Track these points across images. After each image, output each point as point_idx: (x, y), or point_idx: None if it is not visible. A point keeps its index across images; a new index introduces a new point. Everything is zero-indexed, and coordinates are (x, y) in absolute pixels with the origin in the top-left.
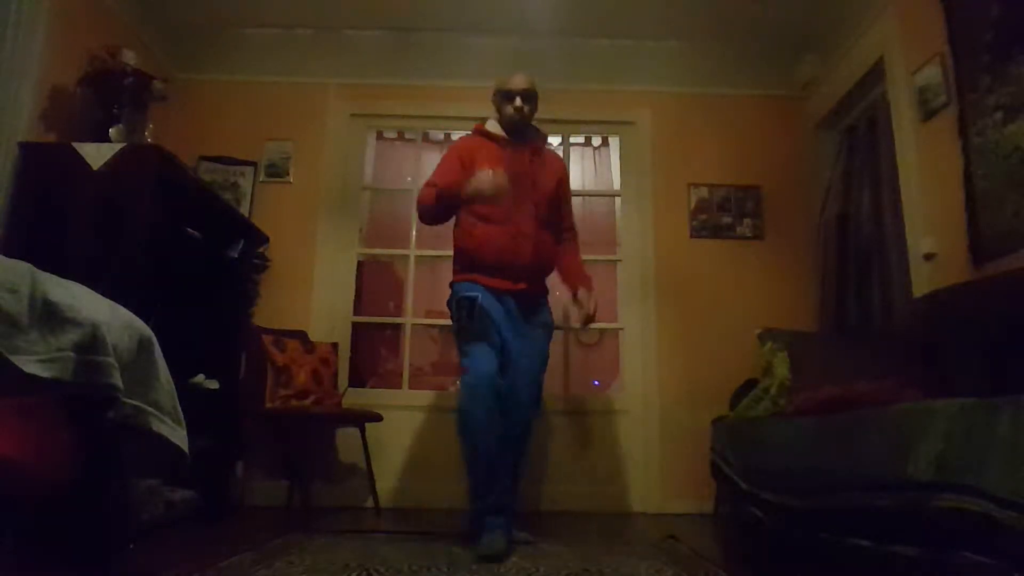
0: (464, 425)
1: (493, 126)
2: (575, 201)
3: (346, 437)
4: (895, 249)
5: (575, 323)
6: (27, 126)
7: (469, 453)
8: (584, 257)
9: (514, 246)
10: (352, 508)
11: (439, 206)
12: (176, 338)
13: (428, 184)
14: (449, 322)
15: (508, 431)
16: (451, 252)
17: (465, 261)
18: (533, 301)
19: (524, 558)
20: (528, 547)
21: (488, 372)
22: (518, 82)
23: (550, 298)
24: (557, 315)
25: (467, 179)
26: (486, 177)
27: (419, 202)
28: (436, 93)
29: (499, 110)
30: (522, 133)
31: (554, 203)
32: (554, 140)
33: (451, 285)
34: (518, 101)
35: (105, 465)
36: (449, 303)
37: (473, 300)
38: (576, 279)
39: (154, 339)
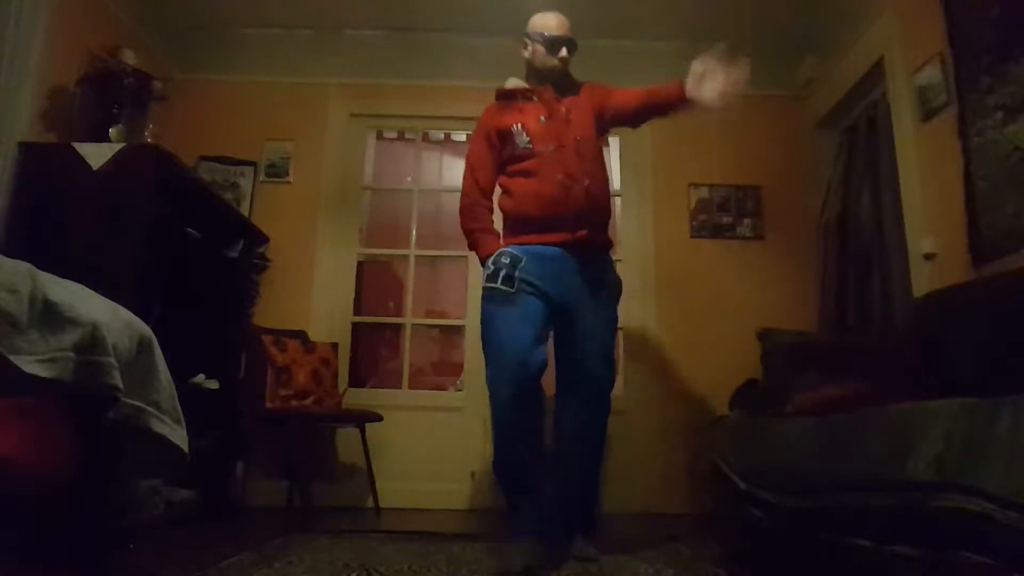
0: (493, 411)
1: (513, 82)
2: None
3: (346, 437)
4: (895, 249)
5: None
6: (27, 126)
7: (502, 455)
8: None
9: (563, 192)
10: (352, 508)
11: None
12: (176, 338)
13: (466, 193)
14: (449, 322)
15: (579, 413)
16: (451, 252)
17: (509, 226)
18: (597, 255)
19: None
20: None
21: (518, 348)
22: (562, 26)
23: (614, 253)
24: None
25: (510, 162)
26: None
27: (462, 223)
28: (436, 93)
29: (534, 56)
30: (556, 83)
31: (599, 137)
32: None
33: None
34: (564, 51)
35: (105, 465)
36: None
37: (515, 259)
38: (667, 87)
39: (154, 339)
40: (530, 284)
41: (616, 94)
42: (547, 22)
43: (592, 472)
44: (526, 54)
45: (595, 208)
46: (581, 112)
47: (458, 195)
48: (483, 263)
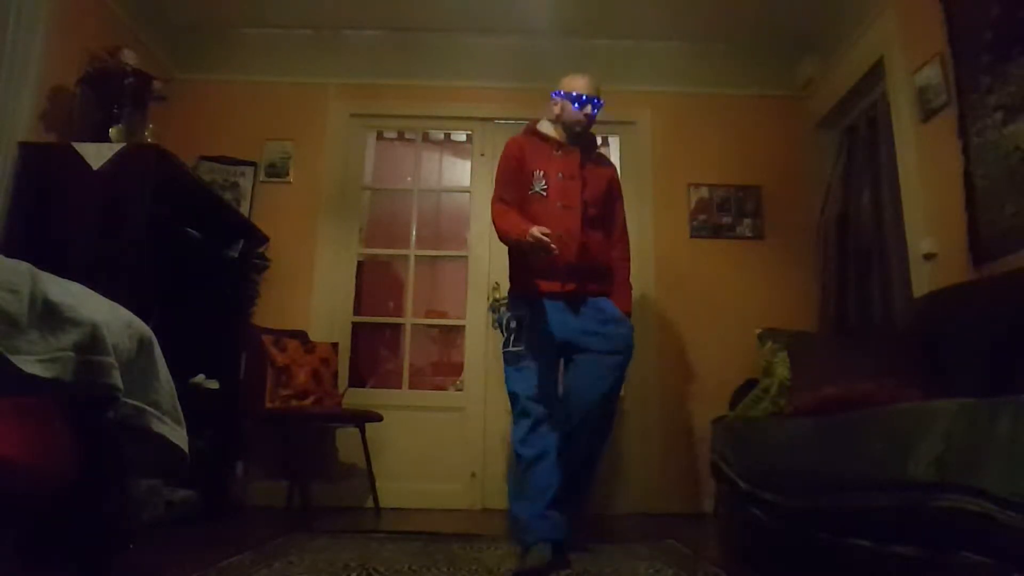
0: (521, 457)
1: (546, 127)
2: None
3: (346, 437)
4: (895, 249)
5: None
6: (27, 126)
7: (523, 479)
8: None
9: (560, 246)
10: (352, 508)
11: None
12: (176, 338)
13: (497, 200)
14: (448, 322)
15: (574, 427)
16: (451, 252)
17: (518, 267)
18: (586, 303)
19: None
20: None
21: (528, 392)
22: (589, 87)
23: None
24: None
25: (525, 195)
26: (541, 238)
27: (495, 225)
28: (436, 93)
29: (562, 112)
30: (579, 137)
31: (606, 205)
32: None
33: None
34: (589, 108)
35: (105, 465)
36: (499, 320)
37: (521, 319)
38: (616, 300)
39: (154, 339)
40: (538, 336)
41: (616, 194)
42: (575, 84)
43: (590, 461)
44: (556, 110)
45: (588, 266)
46: (598, 180)
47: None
48: (519, 243)
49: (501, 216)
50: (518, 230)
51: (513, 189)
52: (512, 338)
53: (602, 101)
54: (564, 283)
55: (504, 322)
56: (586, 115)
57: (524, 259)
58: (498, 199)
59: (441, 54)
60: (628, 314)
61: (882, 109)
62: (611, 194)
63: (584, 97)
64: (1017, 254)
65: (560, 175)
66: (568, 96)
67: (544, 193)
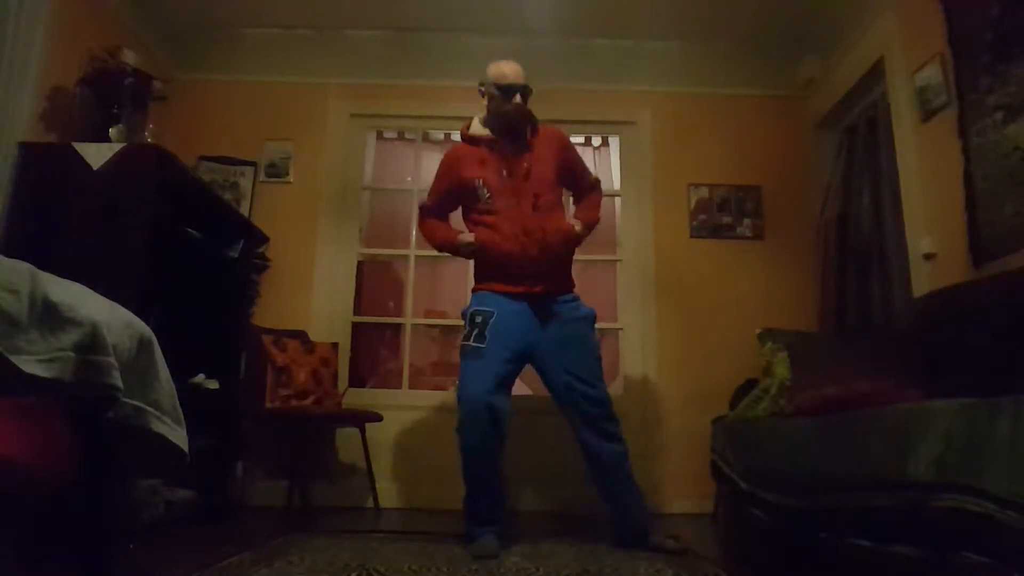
0: (460, 446)
1: (476, 128)
2: None
3: (346, 437)
4: (895, 249)
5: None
6: (27, 126)
7: (463, 470)
8: (584, 257)
9: (520, 247)
10: (352, 508)
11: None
12: (176, 338)
13: (422, 213)
14: (448, 322)
15: (594, 449)
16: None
17: (479, 268)
18: (557, 300)
19: (525, 558)
20: (531, 548)
21: (478, 393)
22: (515, 75)
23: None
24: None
25: (477, 209)
26: (466, 242)
27: (428, 241)
28: (436, 93)
29: (493, 105)
30: (513, 128)
31: (561, 180)
32: None
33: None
34: (518, 98)
35: (105, 465)
36: (464, 313)
37: (487, 316)
38: (579, 214)
39: (154, 339)
40: (499, 337)
41: (572, 161)
42: (501, 70)
43: (628, 482)
44: (485, 103)
45: (551, 259)
46: (543, 164)
47: None
48: (452, 248)
49: (429, 232)
50: (448, 238)
51: (445, 201)
52: (475, 334)
53: (530, 88)
54: (532, 286)
55: (469, 316)
56: (517, 106)
57: (482, 264)
58: (422, 210)
59: (441, 54)
60: (591, 224)
61: (882, 109)
62: (564, 162)
63: (513, 88)
64: (1017, 254)
65: (504, 173)
66: (494, 87)
67: (490, 203)
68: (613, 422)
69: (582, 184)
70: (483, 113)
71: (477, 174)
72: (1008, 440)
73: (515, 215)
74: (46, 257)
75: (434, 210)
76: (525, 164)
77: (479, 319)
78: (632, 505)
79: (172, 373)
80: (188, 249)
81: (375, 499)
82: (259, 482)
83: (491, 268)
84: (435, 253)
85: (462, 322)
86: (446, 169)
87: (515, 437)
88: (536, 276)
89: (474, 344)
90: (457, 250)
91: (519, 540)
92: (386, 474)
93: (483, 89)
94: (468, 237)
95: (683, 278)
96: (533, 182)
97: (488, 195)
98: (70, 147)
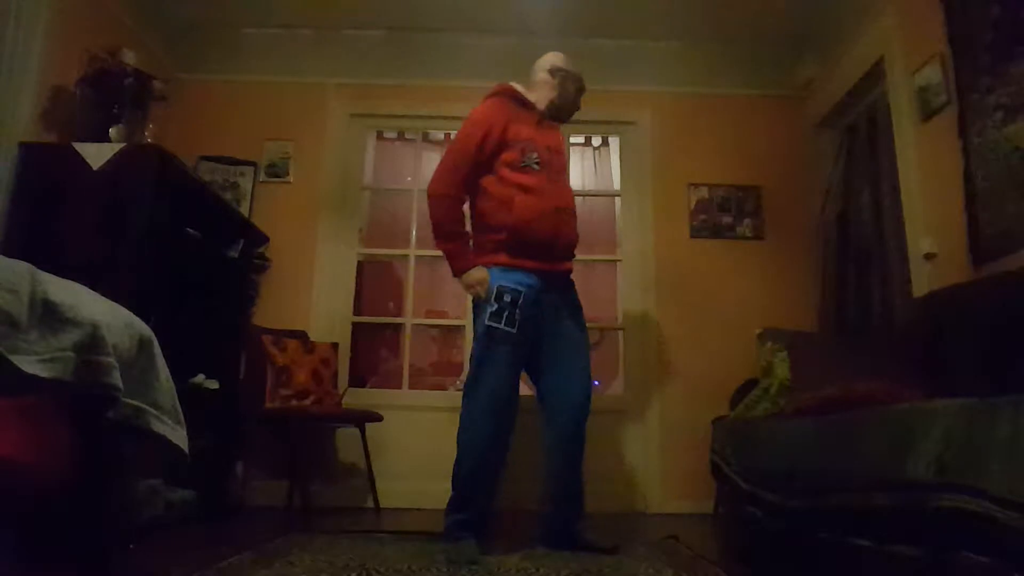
0: (468, 439)
1: (524, 91)
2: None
3: (346, 437)
4: (895, 249)
5: None
6: (27, 126)
7: (462, 466)
8: (584, 257)
9: (559, 222)
10: (352, 508)
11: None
12: (176, 338)
13: (445, 192)
14: (448, 322)
15: (559, 438)
16: None
17: (503, 240)
18: (568, 283)
19: (525, 558)
20: (531, 548)
21: (505, 384)
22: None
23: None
24: None
25: (509, 164)
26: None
27: (439, 231)
28: (436, 93)
29: (557, 87)
30: (571, 113)
31: None
32: None
33: (486, 268)
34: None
35: (105, 465)
36: (490, 287)
37: (515, 296)
38: None
39: (154, 339)
40: (526, 324)
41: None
42: (568, 63)
43: (578, 475)
44: (554, 88)
45: (576, 241)
46: (564, 155)
47: None
48: (457, 275)
49: (451, 216)
50: (462, 265)
51: (470, 169)
52: (506, 316)
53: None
54: (562, 263)
55: (495, 292)
56: (579, 91)
57: (514, 235)
58: (450, 184)
59: (441, 54)
60: None
61: (882, 109)
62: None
63: (581, 80)
64: (1017, 254)
65: (548, 148)
66: (563, 74)
67: (537, 167)
68: (585, 423)
69: None
70: (521, 86)
71: (531, 136)
72: (1008, 440)
73: (555, 189)
74: (46, 257)
75: (468, 180)
76: (558, 148)
77: (507, 298)
78: (577, 496)
79: (172, 373)
80: (188, 249)
81: (375, 499)
82: (259, 482)
83: (522, 240)
84: (435, 253)
85: (462, 322)
86: (494, 118)
87: (515, 436)
88: (564, 254)
89: (505, 328)
90: (462, 273)
91: (519, 540)
92: (386, 474)
93: (560, 73)
94: (482, 273)
95: (683, 278)
96: (563, 167)
97: (537, 159)
98: (70, 147)
